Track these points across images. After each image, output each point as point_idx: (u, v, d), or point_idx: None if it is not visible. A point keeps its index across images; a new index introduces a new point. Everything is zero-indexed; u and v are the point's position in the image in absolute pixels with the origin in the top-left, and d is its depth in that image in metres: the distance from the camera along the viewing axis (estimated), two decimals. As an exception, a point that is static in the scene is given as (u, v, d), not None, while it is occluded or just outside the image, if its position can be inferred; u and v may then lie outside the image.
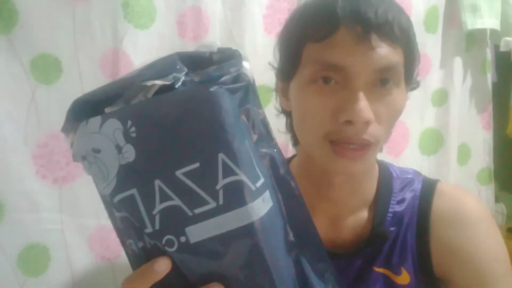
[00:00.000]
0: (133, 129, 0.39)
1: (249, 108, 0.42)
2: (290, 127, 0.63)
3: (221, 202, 0.38)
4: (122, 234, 0.43)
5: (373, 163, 0.62)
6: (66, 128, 0.42)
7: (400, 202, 0.59)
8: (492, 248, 0.56)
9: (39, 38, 0.78)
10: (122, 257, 0.86)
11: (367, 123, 0.49)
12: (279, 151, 0.45)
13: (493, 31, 1.08)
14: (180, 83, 0.39)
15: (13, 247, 0.80)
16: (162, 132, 0.39)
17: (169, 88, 0.39)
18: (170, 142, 0.39)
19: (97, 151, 0.40)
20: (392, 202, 0.59)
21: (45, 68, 0.79)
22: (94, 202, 0.82)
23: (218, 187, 0.38)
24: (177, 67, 0.39)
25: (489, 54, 1.11)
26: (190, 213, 0.39)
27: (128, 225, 0.41)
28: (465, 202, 0.58)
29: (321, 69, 0.50)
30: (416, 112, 1.05)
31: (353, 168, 0.53)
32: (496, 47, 1.12)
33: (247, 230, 0.39)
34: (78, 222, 0.83)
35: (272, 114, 0.64)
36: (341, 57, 0.49)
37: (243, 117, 0.41)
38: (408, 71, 0.54)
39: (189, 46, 0.86)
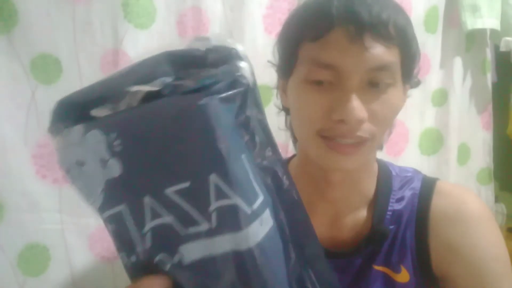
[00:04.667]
0: (117, 142, 0.36)
1: (249, 116, 0.38)
2: (289, 124, 0.63)
3: (214, 225, 0.36)
4: (115, 246, 0.40)
5: (372, 161, 0.62)
6: (51, 130, 0.39)
7: (399, 200, 0.59)
8: (491, 247, 0.56)
9: (39, 38, 0.78)
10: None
11: (360, 121, 0.50)
12: (281, 159, 0.42)
13: (493, 31, 1.08)
14: (168, 90, 0.35)
15: (13, 247, 0.80)
16: (149, 146, 0.36)
17: (157, 94, 0.35)
18: (157, 157, 0.36)
19: (81, 163, 0.37)
20: (391, 200, 0.59)
21: (45, 68, 0.79)
22: (94, 202, 0.82)
23: (210, 209, 0.35)
24: (165, 70, 0.35)
25: (489, 54, 1.11)
26: (183, 232, 0.36)
27: (120, 239, 0.39)
28: (464, 200, 0.58)
29: (315, 68, 0.51)
30: (416, 112, 1.05)
31: (347, 164, 0.53)
32: (496, 47, 1.12)
33: (244, 255, 0.36)
34: (78, 222, 0.83)
35: (273, 112, 0.64)
36: (335, 56, 0.49)
37: (241, 128, 0.37)
38: (406, 70, 0.54)
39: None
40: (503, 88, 1.16)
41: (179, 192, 0.36)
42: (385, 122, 0.53)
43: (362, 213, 0.60)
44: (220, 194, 0.35)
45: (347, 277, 0.57)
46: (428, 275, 0.57)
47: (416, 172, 0.64)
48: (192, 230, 0.36)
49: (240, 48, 0.37)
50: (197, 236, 0.36)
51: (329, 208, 0.60)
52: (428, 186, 0.60)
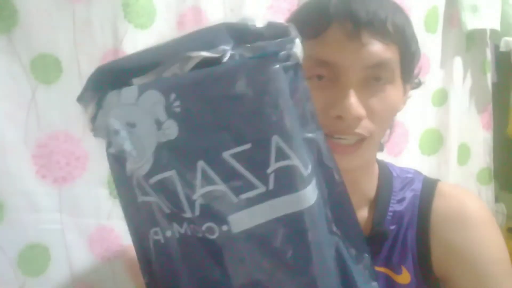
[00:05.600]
0: (177, 103, 0.35)
1: (300, 89, 0.39)
2: None
3: (271, 187, 0.36)
4: (144, 224, 0.39)
5: (372, 162, 0.62)
6: (84, 97, 0.39)
7: (400, 201, 0.59)
8: (492, 249, 0.56)
9: (39, 38, 0.78)
10: (122, 257, 0.85)
11: (357, 118, 0.50)
12: (324, 137, 0.42)
13: (493, 31, 1.08)
14: (228, 57, 0.36)
15: (13, 247, 0.80)
16: (210, 108, 0.36)
17: (215, 61, 0.36)
18: (219, 120, 0.36)
19: (132, 125, 0.37)
20: (392, 201, 0.59)
21: (45, 68, 0.79)
22: (94, 202, 0.82)
23: (269, 171, 0.36)
24: (226, 39, 0.36)
25: (489, 54, 1.11)
26: (235, 199, 0.36)
27: (156, 212, 0.38)
28: (465, 202, 0.58)
29: (314, 65, 0.51)
30: (416, 112, 1.05)
31: (347, 164, 0.52)
32: (496, 47, 1.12)
33: (295, 218, 0.37)
34: (78, 222, 0.83)
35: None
36: (332, 53, 0.50)
37: (295, 98, 0.38)
38: (405, 68, 0.54)
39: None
40: (503, 88, 1.16)
41: (237, 155, 0.36)
42: (383, 120, 0.53)
43: (363, 214, 0.60)
44: (281, 155, 0.36)
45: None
46: (429, 276, 0.57)
47: (417, 173, 0.64)
48: (245, 196, 0.36)
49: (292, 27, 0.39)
50: (250, 202, 0.36)
51: (329, 208, 0.60)
52: (429, 188, 0.60)
